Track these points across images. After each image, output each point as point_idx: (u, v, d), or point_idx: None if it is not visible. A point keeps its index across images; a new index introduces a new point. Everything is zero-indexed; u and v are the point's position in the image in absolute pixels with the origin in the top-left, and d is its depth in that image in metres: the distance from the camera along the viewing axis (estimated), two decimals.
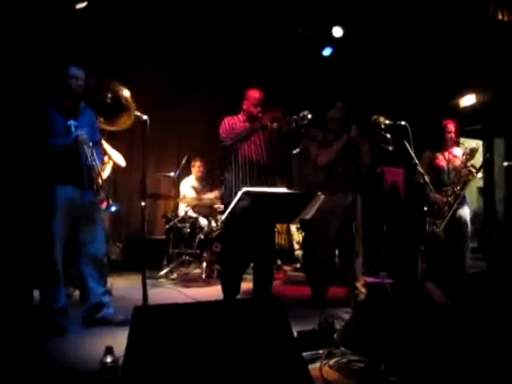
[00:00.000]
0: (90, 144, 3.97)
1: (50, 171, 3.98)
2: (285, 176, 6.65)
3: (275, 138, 4.68)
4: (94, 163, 4.00)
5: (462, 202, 5.42)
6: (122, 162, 5.95)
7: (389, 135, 4.60)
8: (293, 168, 7.46)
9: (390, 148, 4.64)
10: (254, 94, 4.71)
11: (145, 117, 3.52)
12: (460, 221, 5.41)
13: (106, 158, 5.63)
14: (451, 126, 5.52)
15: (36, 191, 4.09)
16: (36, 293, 4.60)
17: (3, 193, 5.12)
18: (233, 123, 4.67)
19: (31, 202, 4.26)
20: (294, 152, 6.04)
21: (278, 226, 8.20)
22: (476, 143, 5.55)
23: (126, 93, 3.93)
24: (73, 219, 4.06)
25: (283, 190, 3.98)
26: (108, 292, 4.39)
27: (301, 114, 4.36)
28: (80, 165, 4.06)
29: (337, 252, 5.49)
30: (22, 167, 4.97)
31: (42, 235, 4.03)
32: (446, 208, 5.29)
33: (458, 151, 5.53)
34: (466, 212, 5.48)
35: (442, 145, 5.55)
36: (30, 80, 5.75)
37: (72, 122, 4.03)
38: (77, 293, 4.79)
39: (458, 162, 5.44)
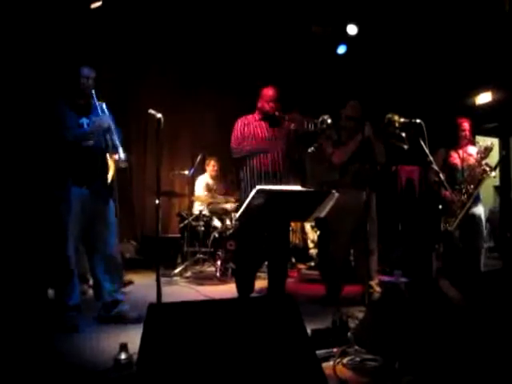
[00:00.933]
0: (106, 126, 3.99)
1: (65, 172, 4.01)
2: (299, 174, 6.64)
3: (292, 138, 4.68)
4: (110, 146, 4.03)
5: (476, 200, 5.38)
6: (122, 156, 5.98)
7: (404, 134, 4.57)
8: (307, 167, 7.46)
9: (406, 147, 4.61)
10: (268, 91, 4.72)
11: (159, 115, 3.51)
12: (474, 219, 5.38)
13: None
14: (466, 124, 5.49)
15: (51, 191, 4.13)
16: (51, 291, 4.67)
17: (18, 193, 5.20)
18: (246, 126, 4.68)
19: (46, 202, 4.31)
20: (309, 151, 6.03)
21: (292, 224, 8.21)
22: (491, 142, 5.49)
23: None
24: (86, 219, 4.09)
25: (297, 187, 3.97)
26: (119, 287, 4.40)
27: (320, 119, 4.35)
28: (94, 165, 4.11)
29: (352, 250, 5.48)
30: (37, 167, 5.04)
31: (56, 234, 4.07)
32: (460, 206, 5.26)
33: (472, 149, 5.49)
34: (480, 210, 5.44)
35: (457, 143, 5.52)
36: (43, 80, 5.81)
37: (84, 120, 4.07)
38: (91, 291, 4.82)
39: (472, 161, 5.40)
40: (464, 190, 5.31)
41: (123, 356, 2.93)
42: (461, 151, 5.50)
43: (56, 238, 4.06)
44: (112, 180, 5.85)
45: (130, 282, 5.74)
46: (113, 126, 4.00)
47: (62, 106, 4.07)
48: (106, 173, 4.30)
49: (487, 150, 5.34)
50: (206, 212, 7.24)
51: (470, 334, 2.85)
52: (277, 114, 4.65)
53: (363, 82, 7.92)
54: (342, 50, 8.26)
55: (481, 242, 5.48)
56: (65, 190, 3.99)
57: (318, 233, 7.50)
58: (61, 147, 4.00)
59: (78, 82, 4.07)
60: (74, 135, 3.97)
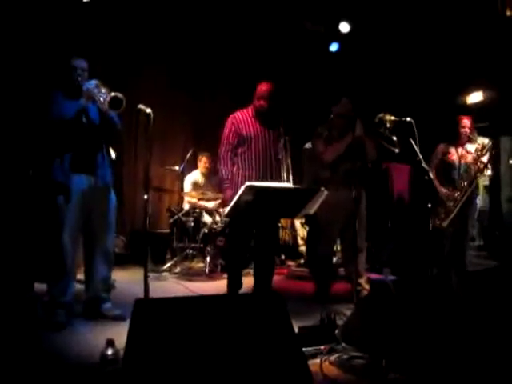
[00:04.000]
0: (97, 91, 3.86)
1: (64, 160, 3.92)
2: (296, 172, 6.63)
3: (282, 146, 4.65)
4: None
5: (472, 198, 5.43)
6: (112, 155, 5.97)
7: (395, 138, 4.57)
8: (304, 164, 7.47)
9: (397, 150, 4.61)
10: (261, 86, 4.67)
11: (148, 110, 3.49)
12: (466, 216, 5.44)
13: None
14: (466, 122, 5.53)
15: (49, 179, 4.00)
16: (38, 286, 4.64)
17: (10, 181, 5.15)
18: (235, 125, 4.66)
19: (43, 191, 4.23)
20: (306, 147, 6.02)
21: (282, 221, 8.22)
22: (489, 140, 5.53)
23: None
24: (86, 210, 4.02)
25: (286, 185, 3.97)
26: (110, 287, 4.37)
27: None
28: (93, 152, 4.04)
29: (339, 248, 5.49)
30: (30, 153, 5.00)
31: (51, 225, 3.99)
32: (452, 203, 5.30)
33: (471, 147, 5.52)
34: (475, 208, 5.51)
35: (457, 140, 5.55)
36: (35, 74, 5.78)
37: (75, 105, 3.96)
38: (78, 285, 4.79)
39: (469, 158, 5.44)
40: (458, 187, 5.36)
41: (110, 351, 2.90)
42: (460, 148, 5.53)
43: (51, 228, 3.98)
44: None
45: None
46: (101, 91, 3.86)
47: (53, 93, 4.00)
48: (108, 160, 4.22)
49: (484, 148, 5.37)
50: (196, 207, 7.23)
51: (457, 331, 2.86)
52: (271, 114, 4.62)
53: (355, 80, 7.92)
54: (334, 47, 8.28)
55: (467, 240, 5.55)
56: (63, 178, 3.91)
57: (308, 229, 7.51)
58: (52, 128, 3.91)
59: (70, 74, 4.02)
60: (64, 114, 3.86)
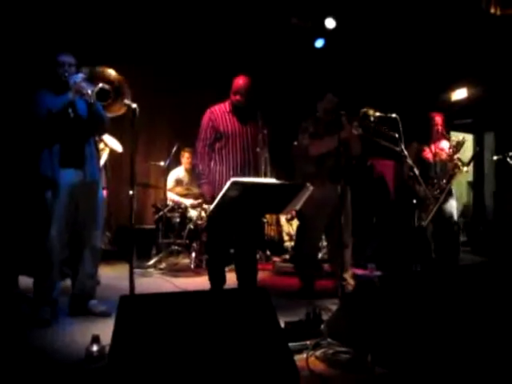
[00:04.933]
0: (84, 84, 3.81)
1: (52, 154, 3.90)
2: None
3: (262, 141, 4.63)
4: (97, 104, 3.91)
5: (449, 195, 5.45)
6: (119, 148, 5.96)
7: (397, 135, 4.57)
8: (294, 160, 7.46)
9: (398, 149, 4.62)
10: (238, 80, 4.60)
11: (134, 105, 3.47)
12: (445, 214, 5.45)
13: (101, 145, 5.59)
14: (438, 119, 5.54)
15: (37, 174, 3.98)
16: (23, 280, 4.61)
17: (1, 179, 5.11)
18: (212, 121, 4.61)
19: (30, 186, 4.20)
20: (294, 143, 6.02)
21: (267, 217, 8.22)
22: (463, 136, 5.54)
23: (118, 78, 3.89)
24: (74, 205, 4.00)
25: (271, 180, 3.96)
26: (95, 282, 4.35)
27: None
28: (80, 144, 4.02)
29: (325, 243, 5.50)
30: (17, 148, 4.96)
31: (39, 220, 3.97)
32: (433, 201, 5.31)
33: (445, 144, 5.55)
34: (452, 205, 5.51)
35: (429, 138, 5.56)
36: (21, 70, 5.75)
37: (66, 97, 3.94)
38: (64, 282, 4.76)
39: (444, 156, 5.46)
40: (437, 185, 5.36)
41: (95, 348, 2.90)
42: (433, 146, 5.55)
43: (38, 224, 3.96)
44: (104, 164, 5.81)
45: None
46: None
47: (40, 88, 3.97)
48: (96, 155, 4.21)
49: (459, 145, 5.39)
50: (181, 201, 7.21)
51: (443, 326, 2.89)
52: (248, 108, 4.59)
53: (340, 76, 7.94)
54: (319, 43, 8.29)
55: (454, 237, 5.56)
56: (51, 172, 3.89)
57: (298, 224, 7.51)
58: (39, 122, 3.89)
59: (56, 70, 3.99)
60: (51, 107, 3.84)
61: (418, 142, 5.60)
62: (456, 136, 5.72)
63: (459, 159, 5.34)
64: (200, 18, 7.66)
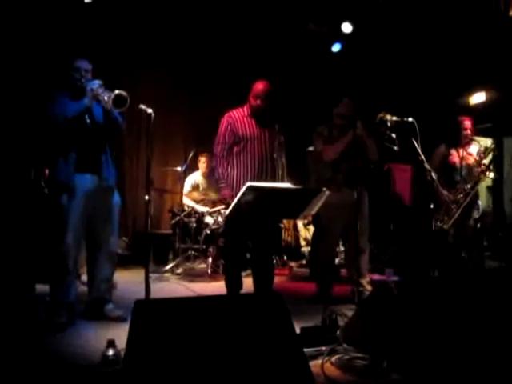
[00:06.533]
0: (101, 90, 3.85)
1: (68, 160, 3.91)
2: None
3: (279, 148, 4.62)
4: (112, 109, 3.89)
5: (474, 200, 5.38)
6: None
7: (394, 135, 4.55)
8: (309, 165, 7.45)
9: (396, 148, 4.59)
10: (258, 85, 4.58)
11: (149, 110, 3.49)
12: (469, 219, 5.40)
13: None
14: (467, 123, 5.45)
15: (54, 179, 4.03)
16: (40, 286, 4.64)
17: (17, 184, 5.16)
18: (231, 125, 4.59)
19: (47, 191, 4.22)
20: (309, 149, 6.01)
21: (285, 222, 8.20)
22: (492, 142, 5.47)
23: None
24: (90, 210, 4.02)
25: (287, 185, 3.95)
26: (111, 287, 4.36)
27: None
28: (97, 149, 4.04)
29: (342, 248, 5.48)
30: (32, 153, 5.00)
31: (54, 225, 3.98)
32: (455, 205, 5.25)
33: (473, 149, 5.46)
34: (476, 210, 5.47)
35: (458, 141, 5.49)
36: (38, 75, 5.80)
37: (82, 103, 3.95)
38: (81, 287, 4.79)
39: (471, 160, 5.39)
40: (461, 190, 5.30)
41: (111, 352, 2.91)
42: (461, 150, 5.45)
43: (54, 229, 3.98)
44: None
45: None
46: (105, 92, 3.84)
47: (57, 94, 4.00)
48: (112, 160, 4.20)
49: (487, 151, 5.31)
50: (197, 208, 7.22)
51: (459, 332, 2.85)
52: (267, 113, 4.58)
53: (357, 80, 7.91)
54: (336, 48, 8.27)
55: (477, 242, 5.50)
56: (67, 178, 3.90)
57: (313, 230, 7.49)
58: (55, 128, 3.91)
59: (73, 74, 4.01)
60: (74, 111, 3.86)
61: (447, 145, 5.53)
62: (485, 141, 5.64)
63: (485, 165, 5.26)
64: (218, 24, 7.68)
